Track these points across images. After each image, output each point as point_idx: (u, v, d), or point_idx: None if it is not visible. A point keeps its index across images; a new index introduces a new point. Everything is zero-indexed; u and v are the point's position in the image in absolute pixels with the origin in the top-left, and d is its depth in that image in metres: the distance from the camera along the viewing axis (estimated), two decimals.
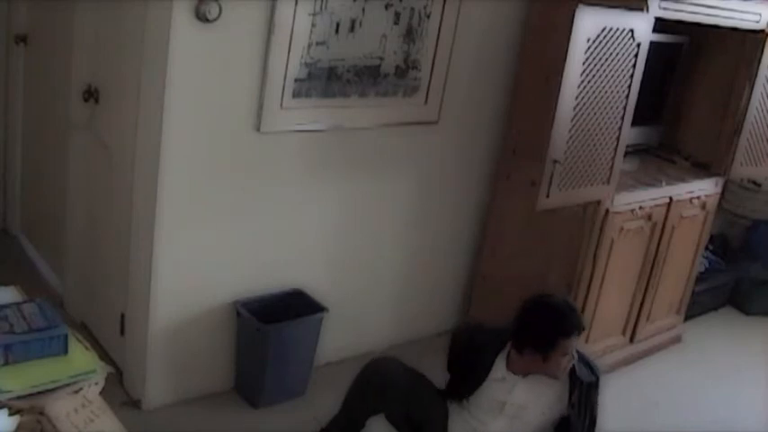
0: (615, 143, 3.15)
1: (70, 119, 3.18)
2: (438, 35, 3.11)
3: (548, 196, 2.99)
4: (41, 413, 1.67)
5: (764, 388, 3.88)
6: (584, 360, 2.50)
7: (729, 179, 3.92)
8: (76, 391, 1.75)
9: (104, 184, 3.07)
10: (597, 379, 2.48)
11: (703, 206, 3.77)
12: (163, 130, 2.59)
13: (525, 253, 3.44)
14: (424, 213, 3.49)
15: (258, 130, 2.78)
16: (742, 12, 3.36)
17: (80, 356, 1.83)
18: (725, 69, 3.70)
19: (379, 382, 2.57)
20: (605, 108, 3.04)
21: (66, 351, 1.82)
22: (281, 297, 3.08)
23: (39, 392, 1.70)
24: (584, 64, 2.87)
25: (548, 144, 2.90)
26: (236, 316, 2.98)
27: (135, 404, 2.91)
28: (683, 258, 3.84)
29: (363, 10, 2.85)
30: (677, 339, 4.09)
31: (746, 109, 3.62)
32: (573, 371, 2.45)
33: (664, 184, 3.53)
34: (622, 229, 3.38)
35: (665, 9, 3.06)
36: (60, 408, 1.70)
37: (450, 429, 2.57)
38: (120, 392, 2.91)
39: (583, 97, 2.93)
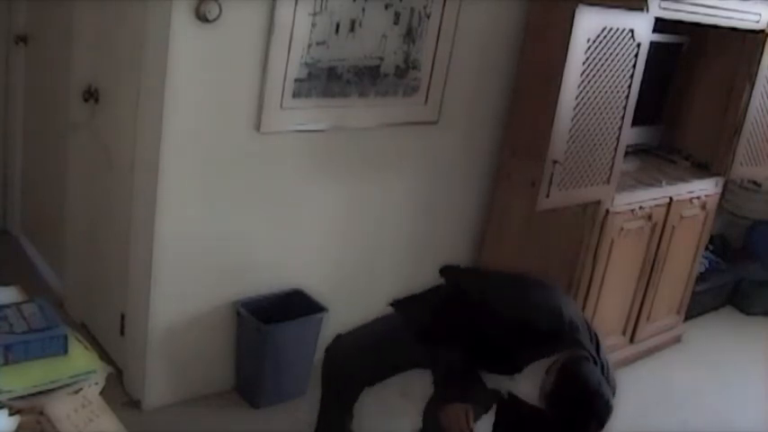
0: (615, 143, 3.15)
1: (70, 119, 3.17)
2: (438, 35, 3.11)
3: (548, 196, 2.99)
4: (41, 413, 1.67)
5: (764, 388, 3.88)
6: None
7: (729, 179, 3.92)
8: (76, 392, 1.74)
9: (104, 184, 3.07)
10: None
11: (703, 206, 3.77)
12: (163, 129, 2.59)
13: (525, 253, 3.44)
14: (424, 213, 3.49)
15: (258, 130, 2.78)
16: (742, 12, 3.36)
17: (80, 356, 1.83)
18: (725, 69, 3.70)
19: (336, 369, 2.51)
20: (605, 108, 3.04)
21: (66, 351, 1.81)
22: (281, 297, 3.08)
23: (39, 392, 1.70)
24: (584, 64, 2.87)
25: (548, 144, 2.90)
26: (236, 316, 2.98)
27: (135, 404, 2.91)
28: (683, 258, 3.83)
29: (363, 10, 2.85)
30: (677, 339, 4.09)
31: (746, 109, 3.62)
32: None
33: (664, 184, 3.53)
34: (622, 229, 3.38)
35: (665, 9, 3.06)
36: (60, 408, 1.69)
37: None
38: (120, 392, 2.92)
39: (583, 97, 2.93)
